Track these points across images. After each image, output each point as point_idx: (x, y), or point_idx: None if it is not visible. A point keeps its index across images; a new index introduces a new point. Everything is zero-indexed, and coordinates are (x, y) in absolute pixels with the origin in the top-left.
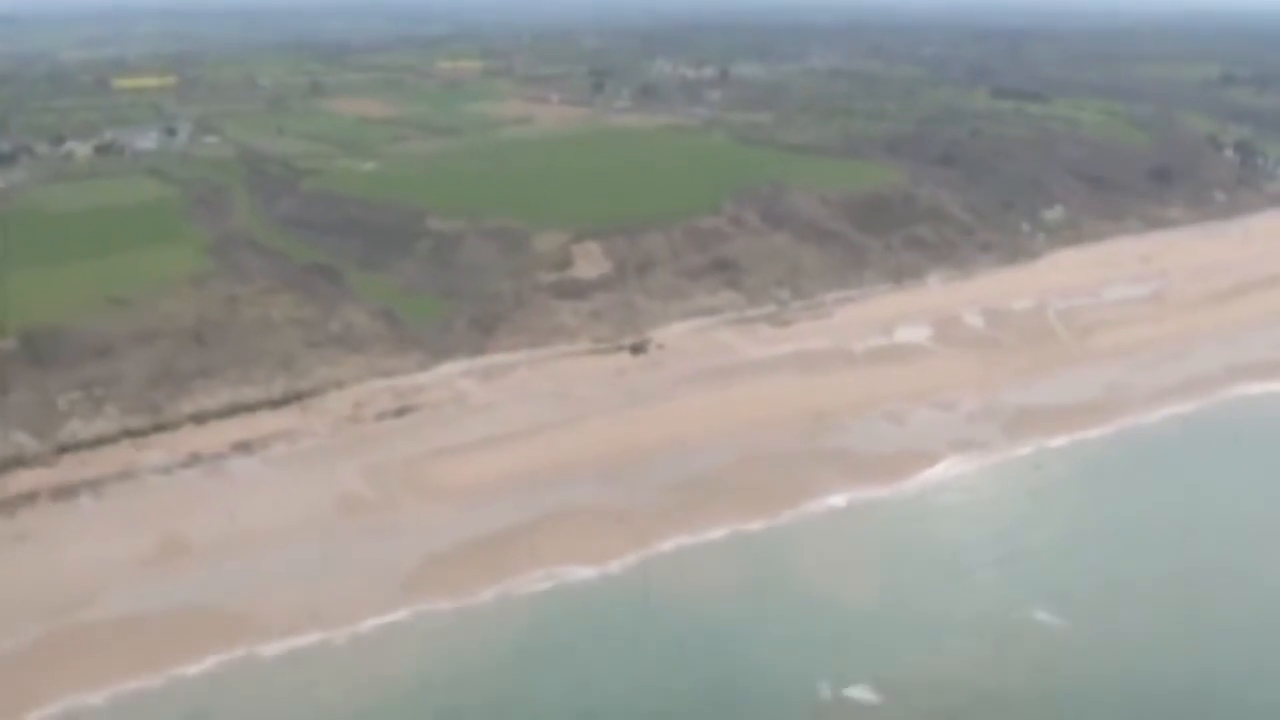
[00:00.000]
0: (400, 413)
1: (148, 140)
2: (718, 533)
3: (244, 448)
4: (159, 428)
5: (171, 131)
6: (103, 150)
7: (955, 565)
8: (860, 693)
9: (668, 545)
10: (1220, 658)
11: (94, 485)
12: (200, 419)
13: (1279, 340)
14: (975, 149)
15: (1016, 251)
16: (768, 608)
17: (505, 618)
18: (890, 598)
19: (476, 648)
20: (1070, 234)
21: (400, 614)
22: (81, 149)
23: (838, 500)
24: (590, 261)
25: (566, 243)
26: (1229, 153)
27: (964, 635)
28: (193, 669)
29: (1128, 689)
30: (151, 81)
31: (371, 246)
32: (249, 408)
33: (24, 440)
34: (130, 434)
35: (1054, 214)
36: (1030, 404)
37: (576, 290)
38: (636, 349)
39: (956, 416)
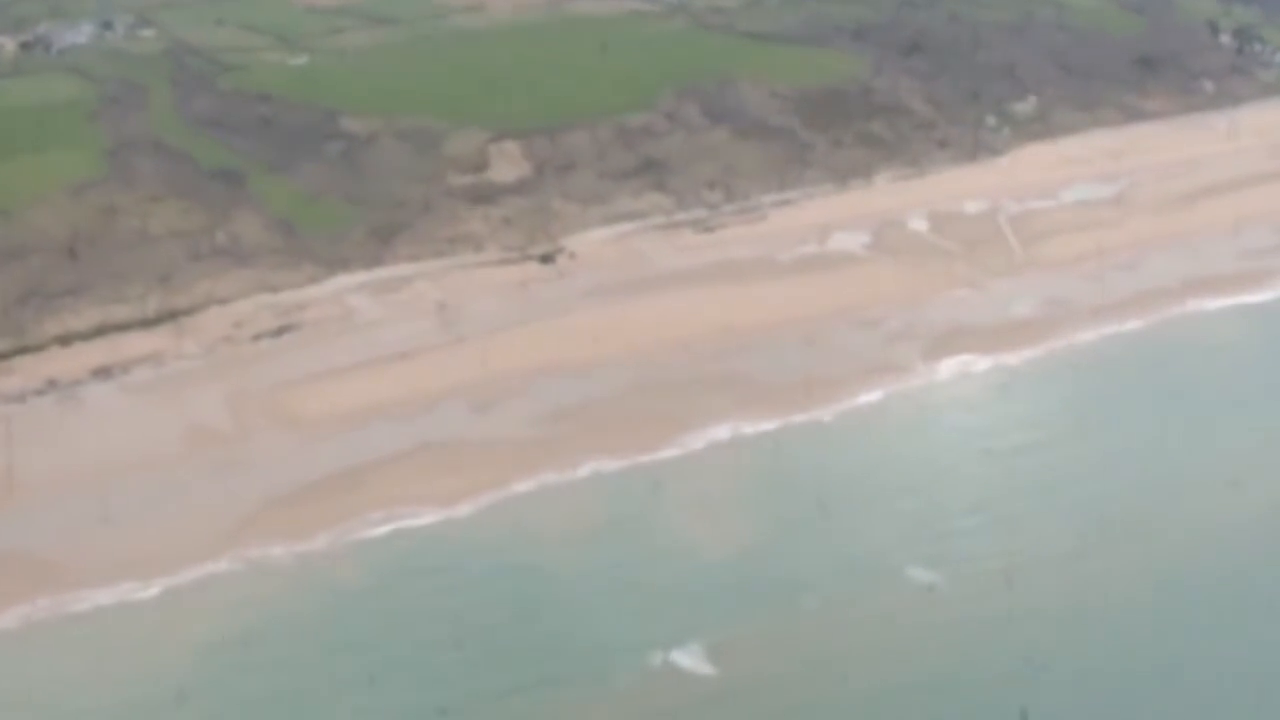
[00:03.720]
0: (280, 332)
1: (80, 34)
2: (583, 471)
3: (104, 373)
4: (22, 350)
5: (107, 25)
6: (28, 46)
7: (832, 512)
8: (689, 659)
9: (526, 485)
10: (1105, 638)
11: None
12: (66, 341)
13: (1246, 249)
14: (949, 35)
15: (978, 148)
16: (614, 559)
17: (333, 567)
18: (752, 547)
19: (289, 603)
20: (1039, 128)
21: (224, 562)
22: (9, 45)
23: (723, 433)
24: (508, 163)
25: (484, 143)
26: (1225, 39)
27: (822, 592)
28: None
29: (988, 660)
30: None
31: (282, 148)
32: (120, 327)
33: None
34: None
35: (1025, 106)
36: (960, 321)
37: (489, 195)
38: (546, 259)
39: (877, 336)
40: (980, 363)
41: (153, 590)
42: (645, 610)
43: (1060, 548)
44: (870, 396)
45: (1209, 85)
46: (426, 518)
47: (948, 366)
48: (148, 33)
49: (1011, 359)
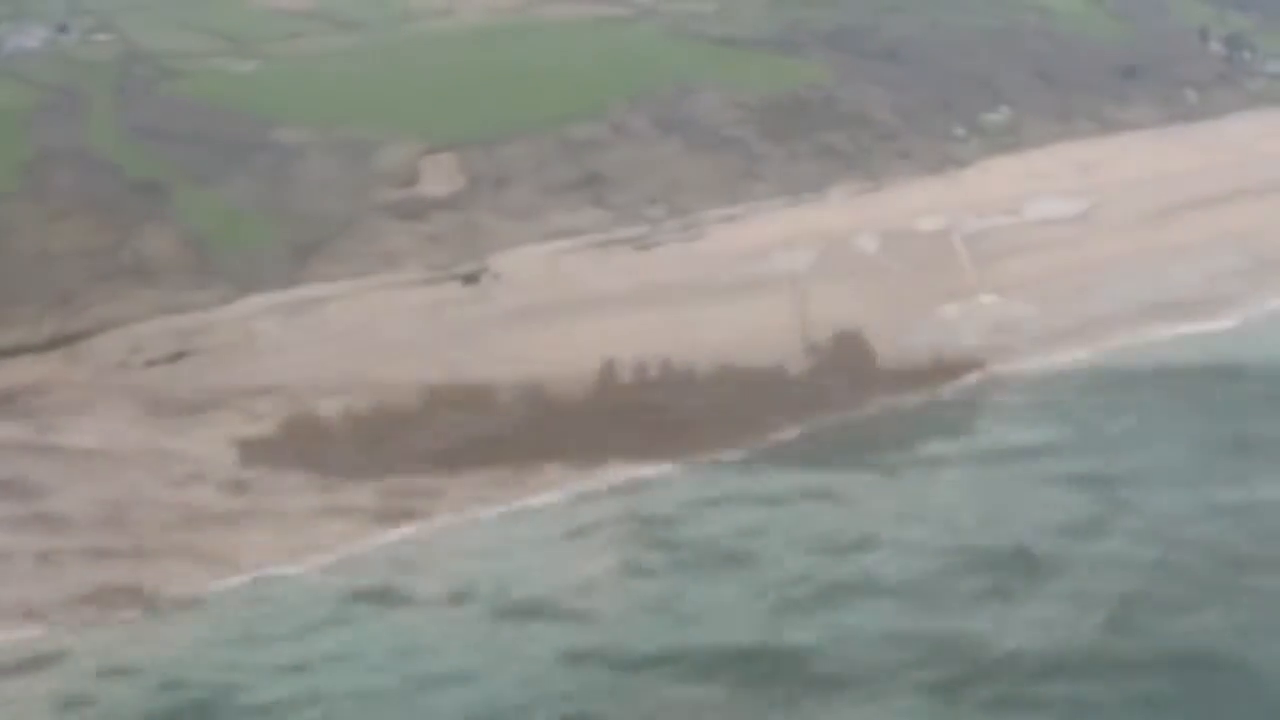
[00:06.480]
0: (176, 358)
1: (32, 39)
2: (462, 517)
3: None
4: None
5: (63, 29)
6: None
7: (719, 578)
8: None
9: (389, 536)
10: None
11: None
12: None
13: (1214, 271)
14: (927, 42)
15: (942, 160)
16: (470, 622)
17: (171, 631)
18: (621, 612)
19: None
20: (1011, 139)
21: (82, 621)
22: None
23: (619, 476)
24: (442, 176)
25: (417, 155)
26: (1215, 46)
27: (696, 669)
28: None
29: None
30: None
31: (212, 160)
32: (10, 353)
33: None
34: None
35: (997, 116)
36: (894, 351)
37: (418, 210)
38: (469, 279)
39: (803, 368)
40: (910, 396)
41: None
42: (493, 686)
43: (956, 607)
44: (788, 434)
45: (1192, 95)
46: (287, 571)
47: (874, 401)
48: (103, 37)
49: (946, 391)
